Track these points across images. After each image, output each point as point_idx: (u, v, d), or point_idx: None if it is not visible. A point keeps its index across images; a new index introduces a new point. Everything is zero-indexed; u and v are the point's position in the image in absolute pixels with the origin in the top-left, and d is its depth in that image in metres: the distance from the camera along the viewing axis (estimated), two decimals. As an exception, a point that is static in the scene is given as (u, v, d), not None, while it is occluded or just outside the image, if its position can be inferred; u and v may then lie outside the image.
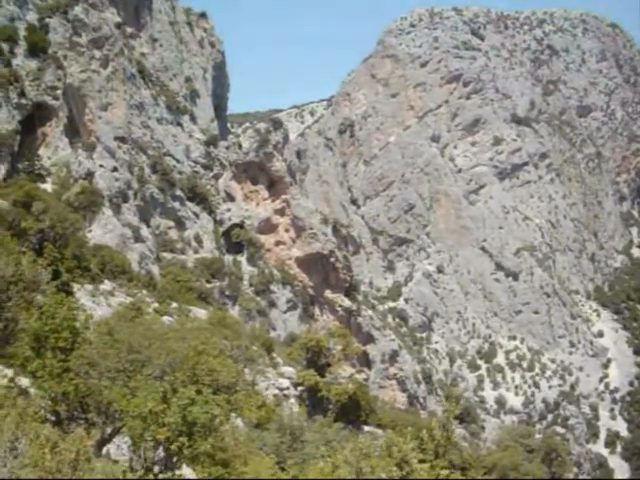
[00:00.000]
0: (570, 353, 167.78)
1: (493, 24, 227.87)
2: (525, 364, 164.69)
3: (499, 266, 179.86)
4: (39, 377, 16.78)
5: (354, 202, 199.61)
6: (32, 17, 78.70)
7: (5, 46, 72.04)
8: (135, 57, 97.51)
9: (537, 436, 72.56)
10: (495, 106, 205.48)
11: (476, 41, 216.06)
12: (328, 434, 34.11)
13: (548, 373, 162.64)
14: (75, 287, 42.10)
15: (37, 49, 75.56)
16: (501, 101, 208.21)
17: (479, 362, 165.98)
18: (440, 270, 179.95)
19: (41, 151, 73.47)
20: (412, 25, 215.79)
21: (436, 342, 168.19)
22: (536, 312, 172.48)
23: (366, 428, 44.86)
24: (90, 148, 77.48)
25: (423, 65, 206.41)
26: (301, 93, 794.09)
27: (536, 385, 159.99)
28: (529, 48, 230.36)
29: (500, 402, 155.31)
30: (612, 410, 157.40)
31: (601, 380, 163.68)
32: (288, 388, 44.63)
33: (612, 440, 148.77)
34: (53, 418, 16.37)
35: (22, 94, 71.24)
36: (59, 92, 75.44)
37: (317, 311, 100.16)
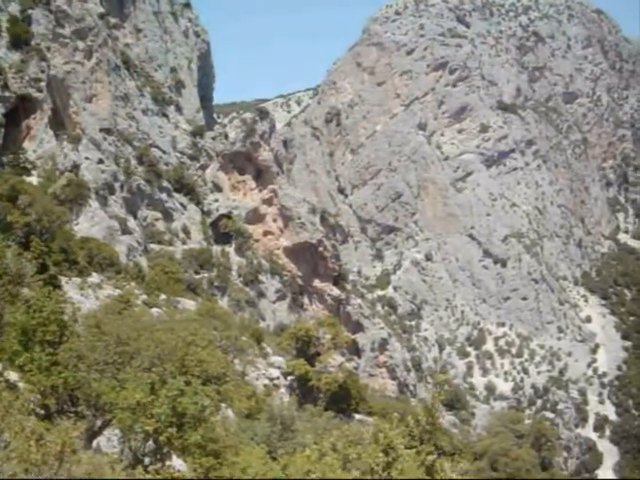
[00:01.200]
0: (558, 339, 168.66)
1: (479, 11, 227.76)
2: (514, 350, 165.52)
3: (487, 253, 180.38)
4: (28, 371, 16.71)
5: (342, 191, 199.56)
6: (14, 8, 78.02)
7: (-13, 38, 71.39)
8: (119, 48, 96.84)
9: (526, 421, 73.06)
10: (481, 93, 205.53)
11: (462, 28, 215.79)
12: (319, 423, 34.21)
13: (537, 359, 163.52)
14: (63, 280, 41.93)
15: (20, 41, 74.99)
16: (487, 88, 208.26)
17: (468, 349, 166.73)
18: (428, 258, 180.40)
19: (26, 144, 73.00)
20: (397, 13, 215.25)
21: (425, 330, 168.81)
22: (524, 298, 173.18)
23: (357, 416, 45.05)
24: (75, 140, 76.98)
25: (409, 53, 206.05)
26: (287, 82, 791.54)
27: (525, 371, 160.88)
28: (515, 35, 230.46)
29: (490, 388, 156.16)
30: (600, 395, 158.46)
31: (589, 365, 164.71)
32: (278, 378, 44.73)
33: (601, 424, 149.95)
34: (42, 412, 16.31)
35: (5, 87, 70.74)
36: (43, 84, 74.93)
37: (306, 301, 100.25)
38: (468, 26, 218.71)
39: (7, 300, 16.99)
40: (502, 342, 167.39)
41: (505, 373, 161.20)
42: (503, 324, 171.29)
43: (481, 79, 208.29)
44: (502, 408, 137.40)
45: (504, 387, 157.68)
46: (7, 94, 70.89)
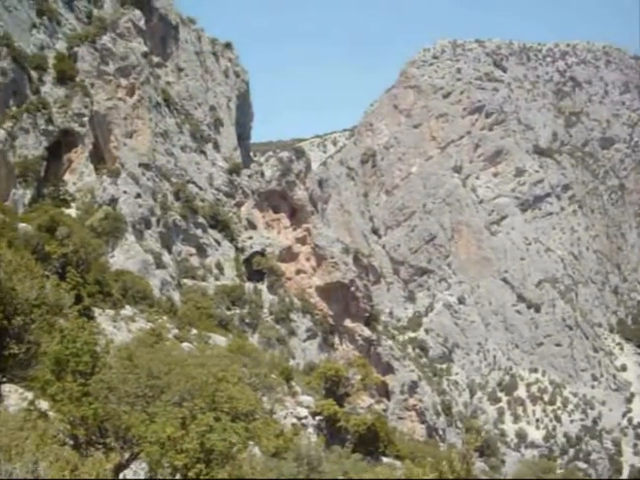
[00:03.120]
0: (592, 387, 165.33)
1: (516, 56, 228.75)
2: (546, 397, 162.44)
3: (521, 298, 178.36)
4: (58, 400, 16.82)
5: (375, 232, 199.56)
6: (61, 46, 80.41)
7: (34, 74, 73.52)
8: (161, 86, 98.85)
9: (558, 471, 71.51)
10: (517, 137, 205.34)
11: (498, 72, 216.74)
12: (346, 465, 33.82)
13: (570, 407, 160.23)
14: (96, 312, 42.37)
15: (65, 77, 77.04)
16: (523, 132, 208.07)
17: (499, 394, 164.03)
18: (461, 301, 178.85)
19: (66, 177, 74.53)
20: (435, 57, 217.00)
21: (456, 373, 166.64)
22: (558, 345, 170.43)
23: (384, 459, 44.42)
24: (114, 174, 78.39)
25: (446, 96, 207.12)
26: (324, 123, 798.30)
27: (557, 419, 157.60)
28: (552, 80, 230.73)
29: (521, 435, 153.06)
30: (635, 446, 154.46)
31: (624, 415, 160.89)
32: (306, 417, 44.40)
33: (635, 476, 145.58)
34: (71, 442, 16.39)
35: (50, 121, 72.55)
36: (85, 119, 76.73)
37: (337, 340, 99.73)
38: (505, 70, 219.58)
39: (45, 330, 17.22)
40: (534, 388, 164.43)
41: (537, 420, 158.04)
42: (536, 370, 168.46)
43: (517, 123, 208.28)
44: (533, 456, 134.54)
45: (536, 435, 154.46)
46: (51, 128, 72.69)
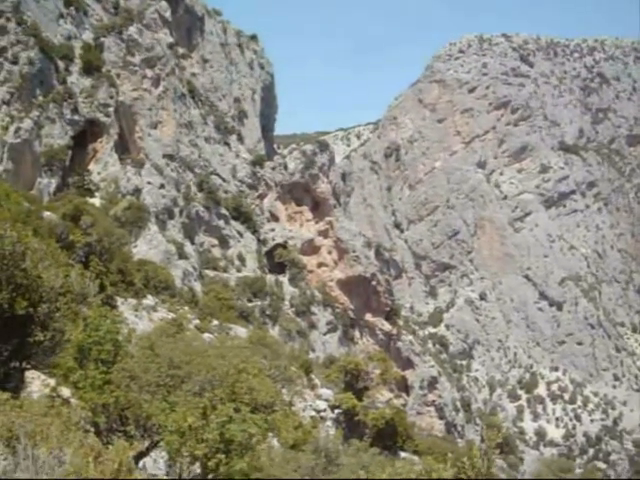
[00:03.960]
0: (614, 387, 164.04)
1: (543, 51, 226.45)
2: (567, 396, 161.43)
3: (543, 295, 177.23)
4: (81, 388, 17.00)
5: (398, 226, 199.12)
6: (88, 36, 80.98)
7: (61, 64, 74.09)
8: (186, 77, 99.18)
9: (577, 471, 71.08)
10: (543, 133, 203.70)
11: (525, 68, 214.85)
12: (364, 458, 33.83)
13: (590, 406, 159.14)
14: (119, 301, 42.67)
15: (91, 67, 77.58)
16: (549, 128, 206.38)
17: (519, 392, 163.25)
18: (482, 297, 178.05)
19: (91, 166, 75.13)
20: (461, 51, 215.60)
21: (476, 370, 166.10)
22: (580, 343, 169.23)
23: (402, 454, 44.37)
24: (139, 165, 78.92)
25: (471, 91, 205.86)
26: (348, 116, 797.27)
27: (577, 418, 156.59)
28: (579, 76, 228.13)
29: (540, 434, 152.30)
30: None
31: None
32: (325, 410, 44.44)
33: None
34: (92, 429, 16.57)
35: (75, 110, 73.15)
36: (111, 109, 77.28)
37: (357, 334, 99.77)
38: (532, 66, 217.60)
39: (69, 318, 17.40)
40: (555, 387, 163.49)
41: (557, 419, 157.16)
42: (556, 369, 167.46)
43: (543, 119, 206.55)
44: (552, 455, 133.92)
45: (555, 433, 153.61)
46: (76, 118, 73.28)
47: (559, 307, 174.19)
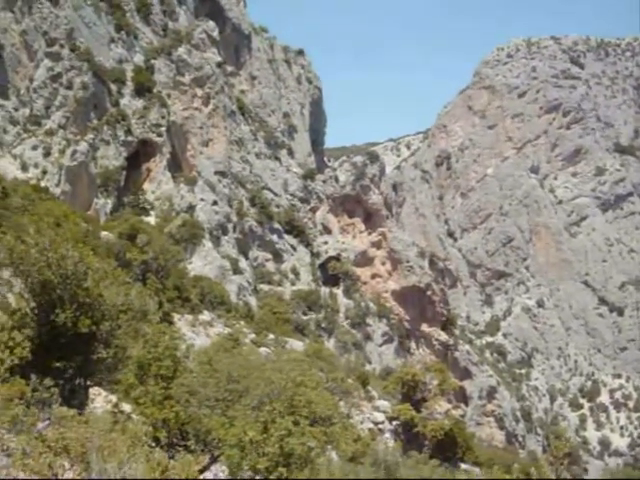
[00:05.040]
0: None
1: (593, 52, 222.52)
2: (631, 404, 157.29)
3: (603, 301, 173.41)
4: (141, 403, 17.31)
5: (451, 235, 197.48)
6: (139, 59, 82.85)
7: (114, 87, 75.93)
8: (235, 94, 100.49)
9: (645, 480, 69.00)
10: (597, 135, 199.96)
11: (576, 69, 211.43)
12: (424, 471, 33.54)
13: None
14: (176, 317, 43.33)
15: (143, 89, 79.35)
16: (603, 130, 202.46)
17: (581, 401, 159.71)
18: (540, 305, 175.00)
19: (145, 185, 76.66)
20: (509, 55, 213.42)
21: (536, 379, 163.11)
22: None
23: (463, 466, 43.86)
24: (191, 182, 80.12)
25: (521, 95, 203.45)
26: (397, 126, 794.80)
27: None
28: (632, 75, 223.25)
29: (604, 443, 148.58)
30: None
31: None
32: (383, 422, 44.25)
33: None
34: (153, 444, 16.84)
35: (129, 132, 74.85)
36: (163, 129, 78.82)
37: (413, 345, 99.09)
38: (582, 67, 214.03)
39: (130, 335, 17.80)
40: (618, 394, 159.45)
41: (621, 428, 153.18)
42: (619, 376, 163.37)
43: (596, 121, 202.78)
44: (617, 465, 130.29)
45: (620, 443, 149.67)
46: (130, 139, 74.99)
47: (620, 312, 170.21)
